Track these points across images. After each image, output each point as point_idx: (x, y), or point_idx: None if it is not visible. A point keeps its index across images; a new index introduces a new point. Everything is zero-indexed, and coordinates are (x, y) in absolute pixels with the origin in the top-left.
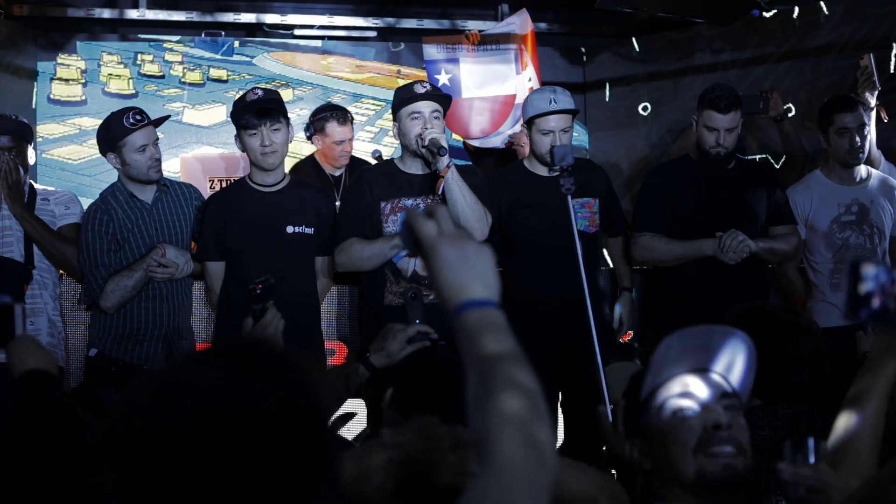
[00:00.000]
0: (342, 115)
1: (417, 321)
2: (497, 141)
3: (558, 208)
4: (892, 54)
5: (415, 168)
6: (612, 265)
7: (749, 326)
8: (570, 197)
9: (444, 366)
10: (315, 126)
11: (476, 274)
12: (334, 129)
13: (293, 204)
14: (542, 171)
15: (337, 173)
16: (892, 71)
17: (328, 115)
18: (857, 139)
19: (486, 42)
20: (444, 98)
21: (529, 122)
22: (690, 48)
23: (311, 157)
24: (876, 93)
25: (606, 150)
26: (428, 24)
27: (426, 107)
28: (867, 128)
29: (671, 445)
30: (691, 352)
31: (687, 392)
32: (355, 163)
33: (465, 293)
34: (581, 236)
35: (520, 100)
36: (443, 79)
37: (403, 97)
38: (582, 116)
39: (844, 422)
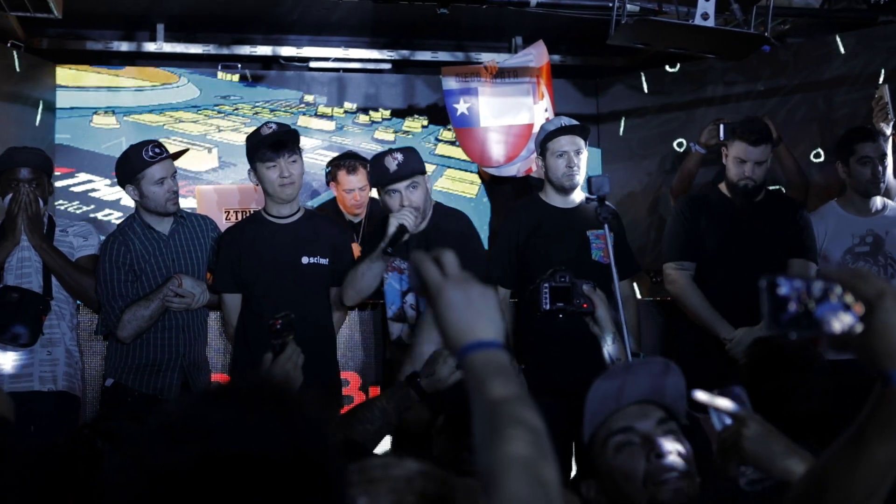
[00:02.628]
0: (352, 165)
1: None
2: (513, 170)
3: (574, 239)
4: None
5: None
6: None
7: (757, 359)
8: (607, 226)
9: None
10: (330, 174)
11: (481, 315)
12: (344, 178)
13: (308, 235)
14: (558, 201)
15: (356, 220)
16: None
17: (340, 163)
18: (880, 169)
19: (504, 73)
20: (417, 169)
21: (543, 149)
22: (703, 80)
23: (332, 201)
24: (892, 123)
25: (620, 181)
26: (442, 56)
27: (400, 184)
28: (888, 158)
29: (621, 481)
30: (621, 388)
31: (626, 426)
32: (375, 207)
33: (471, 335)
34: (596, 267)
35: (536, 129)
36: (461, 108)
37: (378, 178)
38: (596, 148)
39: None
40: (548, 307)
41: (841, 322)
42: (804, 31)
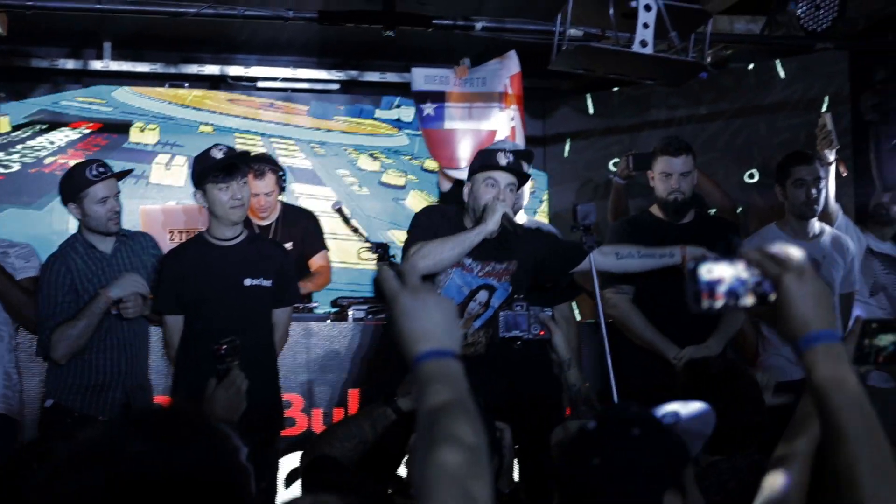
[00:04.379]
0: (260, 170)
1: None
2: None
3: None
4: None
5: None
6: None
7: (688, 381)
8: (590, 256)
9: None
10: None
11: (435, 325)
12: (251, 181)
13: (251, 257)
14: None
15: (264, 223)
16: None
17: (251, 166)
18: (814, 191)
19: (473, 78)
20: (522, 173)
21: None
22: (647, 104)
23: None
24: (835, 150)
25: (565, 202)
26: (391, 77)
27: (503, 178)
28: (823, 181)
29: None
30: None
31: None
32: (289, 211)
33: (424, 344)
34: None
35: (500, 136)
36: (427, 109)
37: (484, 163)
38: (541, 169)
39: (771, 483)
40: (504, 334)
41: (752, 298)
42: (746, 56)
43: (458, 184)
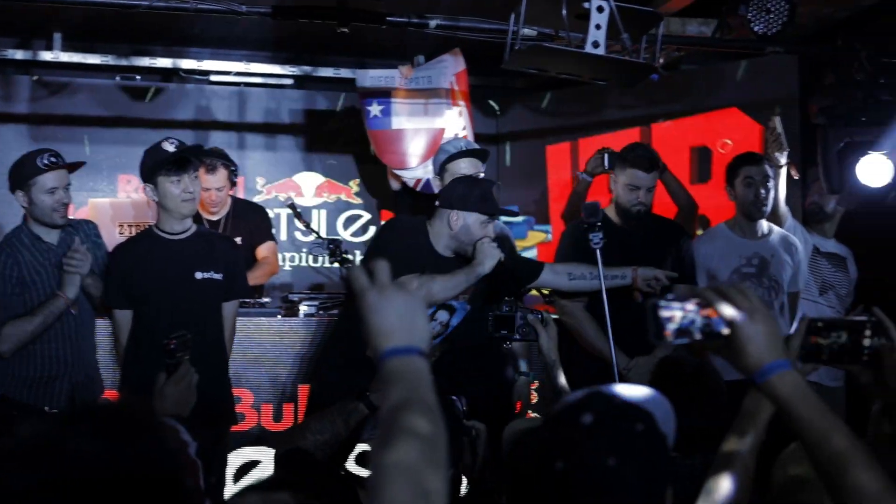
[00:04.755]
0: (212, 164)
1: None
2: (420, 173)
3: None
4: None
5: (448, 254)
6: None
7: (657, 378)
8: (598, 251)
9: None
10: None
11: (402, 322)
12: (202, 175)
13: (201, 250)
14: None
15: (214, 218)
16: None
17: (203, 160)
18: (762, 191)
19: (419, 77)
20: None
21: (442, 171)
22: (601, 103)
23: None
24: (785, 153)
25: (519, 201)
26: (344, 73)
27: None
28: (771, 181)
29: None
30: None
31: None
32: (239, 206)
33: (389, 340)
34: None
35: (448, 134)
36: (374, 110)
37: (487, 207)
38: (495, 168)
39: (717, 486)
40: (493, 334)
41: (700, 335)
42: (699, 58)
43: (406, 188)
